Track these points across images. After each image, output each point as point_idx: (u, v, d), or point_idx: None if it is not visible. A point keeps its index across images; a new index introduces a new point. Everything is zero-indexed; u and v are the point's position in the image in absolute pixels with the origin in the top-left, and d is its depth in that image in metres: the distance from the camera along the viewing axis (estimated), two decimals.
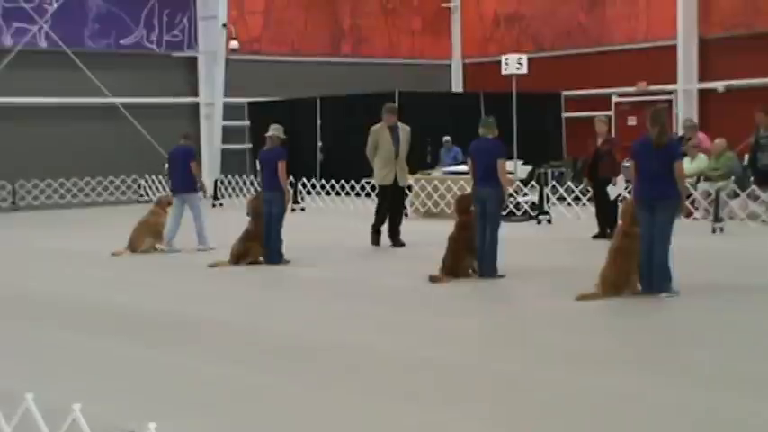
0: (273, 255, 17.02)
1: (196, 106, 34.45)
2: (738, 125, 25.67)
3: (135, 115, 32.60)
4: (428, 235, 18.84)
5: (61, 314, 13.15)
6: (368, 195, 27.20)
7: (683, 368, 9.43)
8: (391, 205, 19.03)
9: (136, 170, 32.74)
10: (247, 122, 35.45)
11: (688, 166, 20.85)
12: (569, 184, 25.29)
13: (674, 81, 31.91)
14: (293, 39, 36.47)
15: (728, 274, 15.20)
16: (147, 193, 32.10)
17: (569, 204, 23.83)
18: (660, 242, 12.79)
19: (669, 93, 32.11)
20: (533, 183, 24.73)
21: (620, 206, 15.36)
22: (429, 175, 25.92)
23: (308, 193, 28.88)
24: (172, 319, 12.63)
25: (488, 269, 14.86)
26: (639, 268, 12.97)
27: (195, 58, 34.40)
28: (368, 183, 26.96)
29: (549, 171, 29.44)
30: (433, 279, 14.66)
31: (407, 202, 22.54)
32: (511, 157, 22.95)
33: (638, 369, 9.43)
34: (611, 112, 32.48)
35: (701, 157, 22.76)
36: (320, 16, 36.98)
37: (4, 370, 9.91)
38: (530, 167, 27.21)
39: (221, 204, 29.60)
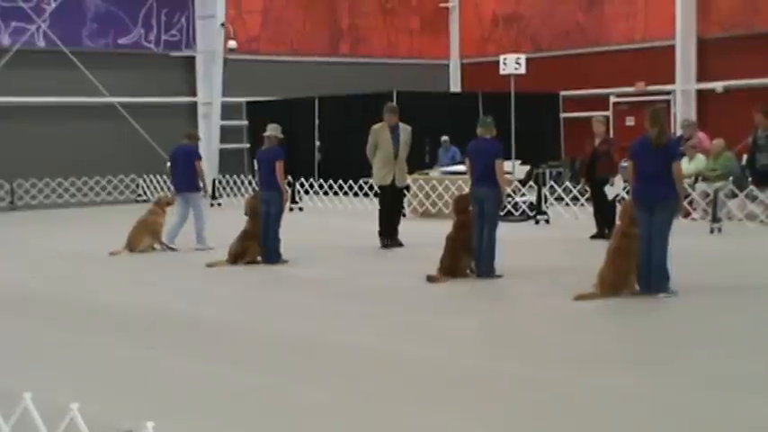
0: (271, 254, 17.02)
1: (194, 106, 34.45)
2: (737, 125, 25.69)
3: (133, 115, 32.59)
4: (426, 235, 18.84)
5: (59, 314, 13.15)
6: (366, 195, 27.23)
7: (681, 368, 9.43)
8: (389, 205, 19.02)
9: (134, 170, 32.73)
10: (245, 122, 35.45)
11: (686, 166, 20.85)
12: (567, 184, 25.29)
13: (673, 81, 31.93)
14: (291, 38, 36.47)
15: (726, 274, 15.21)
16: (145, 193, 32.11)
17: (567, 204, 23.84)
18: (658, 242, 12.79)
19: (667, 93, 32.12)
20: (531, 183, 24.73)
21: (619, 206, 15.37)
22: (427, 174, 25.93)
23: (306, 192, 28.88)
24: (170, 319, 12.63)
25: (486, 269, 14.86)
26: (638, 268, 12.97)
27: (193, 58, 34.40)
28: (366, 182, 26.98)
29: (547, 171, 29.46)
30: (430, 279, 14.66)
31: (405, 202, 22.52)
32: (509, 158, 22.94)
33: (637, 369, 9.43)
34: (609, 113, 32.53)
35: (700, 157, 22.76)
36: (319, 16, 36.98)
37: (2, 369, 9.91)
38: (528, 167, 27.19)
39: (219, 204, 29.60)
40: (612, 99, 33.79)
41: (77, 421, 5.69)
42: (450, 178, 24.71)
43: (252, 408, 8.34)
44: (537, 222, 22.89)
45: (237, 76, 34.17)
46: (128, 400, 8.61)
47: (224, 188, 31.40)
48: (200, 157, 19.74)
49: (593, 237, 19.37)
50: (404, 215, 20.53)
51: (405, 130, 18.79)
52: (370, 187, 26.21)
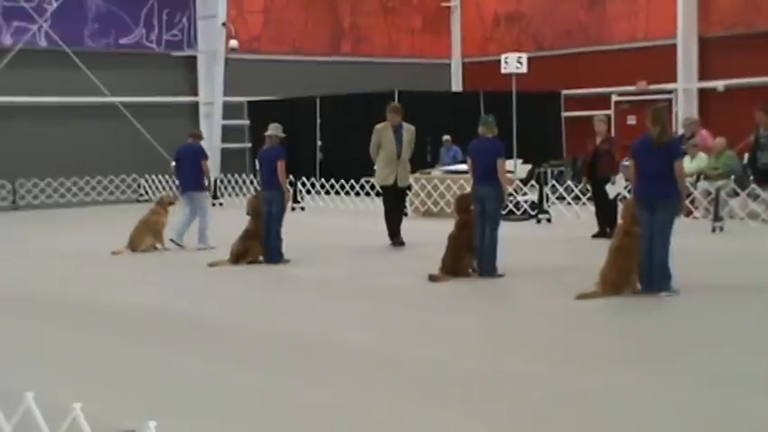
0: (273, 254, 17.02)
1: (196, 105, 34.47)
2: (738, 124, 25.68)
3: (134, 114, 32.61)
4: (428, 234, 18.85)
5: (61, 313, 13.15)
6: (368, 194, 27.24)
7: (683, 367, 9.43)
8: (392, 205, 19.01)
9: (135, 169, 32.74)
10: (247, 121, 35.47)
11: (688, 165, 20.84)
12: (569, 183, 25.29)
13: (674, 80, 31.92)
14: (293, 38, 36.48)
15: (728, 273, 15.20)
16: (146, 192, 32.13)
17: (569, 203, 23.83)
18: (660, 241, 12.78)
19: (669, 92, 32.12)
20: (533, 182, 24.73)
21: (621, 205, 15.37)
22: (429, 174, 25.93)
23: (308, 192, 28.88)
24: (172, 319, 12.63)
25: (488, 268, 14.86)
26: (639, 267, 12.97)
27: (195, 58, 34.42)
28: (367, 182, 27.00)
29: (549, 170, 29.45)
30: (432, 278, 14.66)
31: (407, 201, 22.51)
32: (510, 157, 22.95)
33: (639, 368, 9.42)
34: (610, 112, 32.51)
35: (701, 156, 22.76)
36: (320, 15, 36.99)
37: (4, 369, 9.91)
38: (529, 166, 27.21)
39: (221, 203, 29.59)
40: (614, 98, 33.79)
41: (80, 421, 5.69)
42: (452, 177, 24.71)
43: (254, 407, 8.35)
44: (539, 221, 22.88)
45: (239, 76, 34.18)
46: (129, 400, 8.61)
47: (225, 188, 31.40)
48: (206, 156, 19.79)
49: (594, 236, 19.37)
50: (405, 214, 20.50)
51: (408, 130, 18.76)
52: (372, 187, 26.23)
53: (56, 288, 15.32)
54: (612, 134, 23.23)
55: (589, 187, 20.66)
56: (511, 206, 22.75)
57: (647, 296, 12.79)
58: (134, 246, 18.90)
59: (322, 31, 37.06)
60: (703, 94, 31.86)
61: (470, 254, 15.03)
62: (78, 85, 31.48)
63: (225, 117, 34.46)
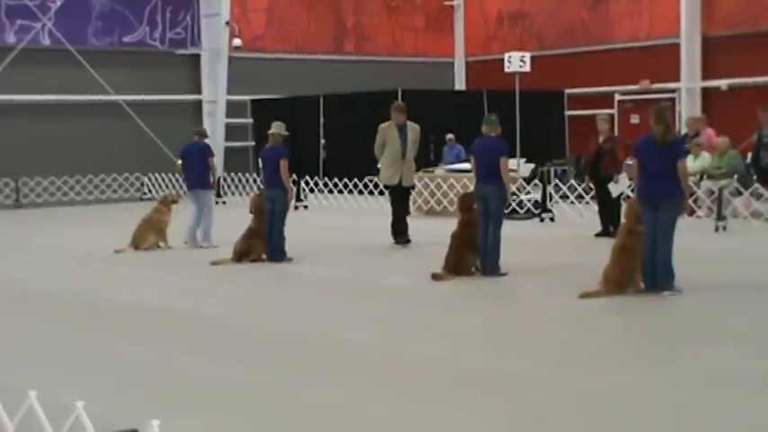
0: (276, 252, 17.02)
1: (199, 104, 34.50)
2: (741, 123, 25.68)
3: (138, 113, 32.64)
4: (431, 233, 18.83)
5: (64, 311, 13.16)
6: (371, 193, 27.24)
7: (685, 366, 9.43)
8: (397, 204, 18.96)
9: (139, 168, 32.77)
10: (250, 120, 35.48)
11: (691, 164, 20.81)
12: (572, 181, 25.29)
13: (678, 79, 31.93)
14: (296, 36, 36.50)
15: (731, 272, 15.19)
16: (150, 191, 32.15)
17: (572, 202, 23.83)
18: (663, 240, 12.78)
19: (672, 91, 32.13)
20: (536, 181, 24.72)
21: (624, 204, 15.36)
22: (432, 172, 25.94)
23: (311, 190, 28.89)
24: (174, 317, 12.64)
25: (491, 267, 14.86)
26: (643, 266, 12.97)
27: (198, 56, 34.45)
28: (371, 180, 26.99)
29: (552, 169, 29.46)
30: (435, 277, 14.66)
31: (410, 200, 22.49)
32: (514, 155, 22.95)
33: (641, 367, 9.42)
34: (614, 110, 32.49)
35: (704, 155, 22.75)
36: (323, 14, 37.00)
37: (7, 367, 9.92)
38: (532, 165, 27.19)
39: (224, 202, 29.58)
40: (617, 97, 33.79)
41: (82, 419, 5.69)
42: (455, 176, 24.71)
43: (256, 406, 8.35)
44: (542, 220, 22.88)
45: (242, 74, 34.21)
46: (132, 399, 8.61)
47: (229, 186, 31.41)
48: (213, 154, 19.86)
49: (597, 235, 19.37)
50: (408, 213, 20.49)
51: (413, 129, 18.74)
52: (375, 185, 26.22)
53: (59, 286, 15.33)
54: (615, 133, 23.21)
55: (592, 186, 20.66)
56: (514, 205, 22.75)
57: (651, 295, 12.78)
58: (137, 244, 18.91)
59: (325, 30, 37.08)
60: (706, 94, 31.86)
61: (473, 253, 15.03)
62: (82, 84, 31.52)
63: (228, 115, 34.49)
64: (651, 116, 13.15)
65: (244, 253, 17.03)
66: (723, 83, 31.19)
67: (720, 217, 20.34)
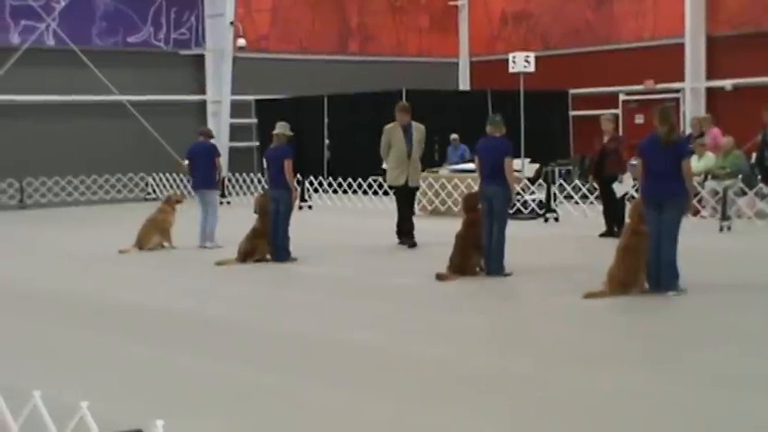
0: (280, 253, 17.02)
1: (203, 104, 34.53)
2: (746, 123, 25.67)
3: (142, 113, 32.65)
4: (435, 233, 18.83)
5: (68, 312, 13.17)
6: (375, 193, 27.24)
7: (690, 366, 9.42)
8: (404, 205, 18.92)
9: (143, 168, 32.78)
10: (255, 120, 35.48)
11: (695, 164, 20.83)
12: (576, 182, 25.28)
13: (682, 79, 31.91)
14: (301, 37, 36.51)
15: (736, 272, 15.18)
16: (154, 191, 32.15)
17: (576, 202, 23.81)
18: (668, 240, 12.78)
19: (677, 91, 32.11)
20: (540, 181, 24.71)
21: (629, 204, 15.35)
22: (436, 172, 25.93)
23: (316, 190, 28.88)
24: (178, 317, 12.64)
25: (495, 267, 14.85)
26: (647, 266, 12.96)
27: (203, 56, 34.46)
28: (375, 181, 26.99)
29: (557, 169, 29.41)
30: (440, 277, 14.65)
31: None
32: (518, 156, 22.93)
33: (646, 367, 9.42)
34: (618, 111, 32.49)
35: (709, 155, 22.73)
36: (328, 14, 37.01)
37: (11, 367, 9.93)
38: (537, 165, 27.18)
39: (228, 202, 29.58)
40: (622, 97, 33.77)
41: (87, 419, 5.69)
42: (460, 176, 24.71)
43: (260, 406, 8.35)
44: (546, 220, 22.87)
45: (247, 75, 34.22)
46: (136, 399, 8.62)
47: (233, 186, 31.41)
48: (219, 154, 19.90)
49: (602, 235, 19.36)
50: (413, 213, 20.47)
51: (418, 129, 18.71)
52: (380, 185, 26.22)
53: (63, 287, 15.34)
54: (620, 133, 23.20)
55: (596, 186, 20.65)
56: (518, 205, 22.73)
57: (655, 295, 12.78)
58: (141, 244, 18.92)
59: (329, 31, 37.08)
60: (711, 94, 31.84)
61: (478, 253, 15.03)
62: (86, 84, 31.54)
63: (233, 116, 34.50)
64: (655, 116, 13.15)
65: (248, 253, 17.04)
66: (727, 83, 31.17)
67: (725, 217, 20.32)
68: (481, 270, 15.02)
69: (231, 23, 33.80)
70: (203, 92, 34.53)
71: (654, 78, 32.71)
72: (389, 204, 19.23)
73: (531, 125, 25.47)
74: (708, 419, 7.75)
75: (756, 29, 30.42)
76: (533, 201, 23.83)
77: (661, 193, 12.84)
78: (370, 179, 27.57)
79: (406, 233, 18.77)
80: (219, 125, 33.68)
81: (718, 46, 31.52)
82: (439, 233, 17.96)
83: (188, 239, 19.09)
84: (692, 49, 31.67)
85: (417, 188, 19.75)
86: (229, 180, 31.29)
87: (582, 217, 22.70)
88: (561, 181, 25.97)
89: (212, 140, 20.38)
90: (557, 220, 22.82)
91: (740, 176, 21.79)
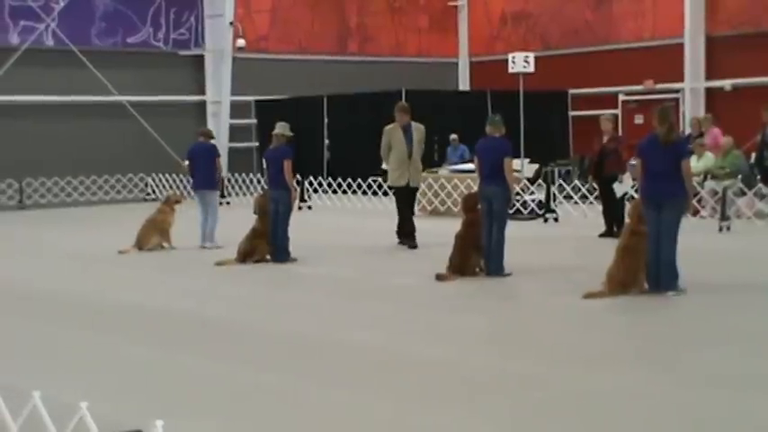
0: (280, 253, 17.02)
1: (203, 104, 34.51)
2: (745, 123, 25.67)
3: (142, 113, 32.64)
4: (435, 233, 18.82)
5: (67, 312, 13.17)
6: (375, 194, 27.24)
7: (689, 366, 9.43)
8: (405, 205, 18.89)
9: (143, 168, 32.78)
10: (254, 120, 35.48)
11: (695, 164, 20.83)
12: (576, 182, 25.28)
13: (681, 79, 31.91)
14: (300, 37, 36.50)
15: (735, 272, 15.19)
16: (153, 192, 32.15)
17: (576, 203, 23.81)
18: (667, 240, 12.78)
19: (676, 91, 32.10)
20: (540, 181, 24.72)
21: (629, 205, 15.35)
22: (436, 173, 25.93)
23: (315, 191, 28.89)
24: (178, 318, 12.64)
25: (495, 267, 14.85)
26: (647, 267, 12.96)
27: (202, 57, 34.45)
28: (374, 181, 27.00)
29: (556, 169, 29.40)
30: (439, 277, 14.65)
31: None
32: (518, 156, 22.93)
33: (645, 367, 9.42)
34: (618, 111, 32.49)
35: (708, 155, 22.73)
36: (327, 15, 37.00)
37: (11, 368, 9.92)
38: (536, 166, 27.19)
39: (228, 202, 29.58)
40: (621, 97, 33.77)
41: (86, 420, 5.69)
42: (459, 176, 24.71)
43: (260, 406, 8.35)
44: (546, 221, 22.87)
45: (246, 75, 34.21)
46: (136, 399, 8.62)
47: (233, 187, 31.41)
48: (219, 154, 19.90)
49: (601, 235, 19.36)
50: (413, 213, 20.47)
51: (418, 130, 18.70)
52: (379, 186, 26.22)
53: (62, 287, 15.34)
54: (619, 133, 23.20)
55: (596, 186, 20.65)
56: (518, 205, 22.74)
57: (655, 295, 12.78)
58: (141, 245, 18.92)
59: (329, 31, 37.08)
60: (710, 94, 31.85)
61: (477, 253, 15.03)
62: (85, 85, 31.53)
63: (232, 116, 34.49)
64: (655, 116, 13.15)
65: (248, 253, 17.04)
66: (727, 83, 31.17)
67: (724, 217, 20.33)
68: (481, 270, 15.02)
69: (231, 24, 33.79)
70: (203, 92, 34.52)
71: (653, 78, 32.71)
72: (389, 205, 19.23)
73: (530, 125, 25.47)
74: (707, 419, 7.75)
75: (756, 29, 30.42)
76: (533, 201, 23.84)
77: (660, 193, 12.84)
78: (369, 179, 27.57)
79: (407, 234, 18.75)
80: (219, 126, 33.66)
81: (718, 46, 31.53)
82: (438, 233, 17.96)
83: (188, 240, 19.09)
84: (692, 50, 31.67)
85: (418, 188, 19.74)
86: (229, 180, 31.28)
87: (581, 217, 22.71)
88: (561, 181, 25.98)
89: (212, 141, 20.39)
90: (556, 220, 22.82)
91: (739, 176, 21.79)
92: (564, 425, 7.69)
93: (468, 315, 12.44)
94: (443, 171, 26.32)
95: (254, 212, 17.53)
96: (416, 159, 18.66)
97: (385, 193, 24.74)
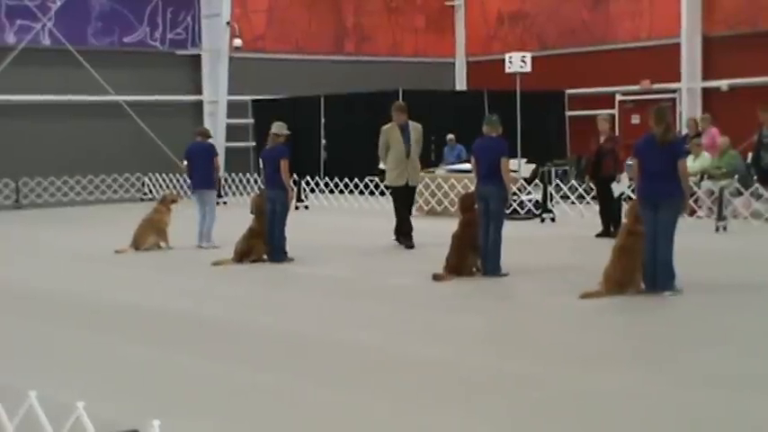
0: (277, 253, 17.02)
1: (200, 104, 34.50)
2: (742, 123, 25.68)
3: (138, 113, 32.63)
4: (432, 233, 18.82)
5: (64, 312, 13.15)
6: (372, 193, 27.23)
7: (686, 366, 9.42)
8: (403, 205, 18.88)
9: (139, 168, 32.76)
10: (251, 120, 35.47)
11: (691, 164, 20.80)
12: (573, 182, 25.28)
13: (678, 79, 31.92)
14: (297, 37, 36.50)
15: (732, 272, 15.19)
16: (150, 191, 32.13)
17: (573, 203, 23.82)
18: (664, 240, 12.78)
19: (673, 91, 32.12)
20: (537, 181, 24.72)
21: (625, 205, 15.36)
22: (433, 173, 25.92)
23: (312, 191, 28.88)
24: (175, 317, 12.64)
25: (492, 267, 14.85)
26: (643, 267, 12.96)
27: (199, 56, 34.44)
28: (371, 181, 26.99)
29: (553, 169, 29.44)
30: (436, 277, 14.65)
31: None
32: (514, 156, 22.94)
33: (642, 367, 9.42)
34: (614, 111, 32.50)
35: (705, 155, 22.76)
36: (324, 14, 37.00)
37: (7, 367, 9.91)
38: (533, 166, 27.18)
39: (225, 202, 29.56)
40: (618, 97, 33.79)
41: (83, 420, 5.69)
42: (456, 176, 24.71)
43: (257, 406, 8.35)
44: (542, 221, 22.87)
45: (243, 75, 34.21)
46: (133, 399, 8.61)
47: (230, 186, 31.39)
48: (217, 154, 19.91)
49: (598, 235, 19.37)
50: (411, 213, 20.46)
51: (415, 129, 18.69)
52: (376, 186, 26.22)
53: (59, 287, 15.32)
54: (616, 133, 23.22)
55: (593, 186, 20.66)
56: (515, 205, 22.74)
57: (651, 295, 12.78)
58: (137, 244, 18.91)
59: (326, 31, 37.08)
60: (707, 94, 31.85)
61: (474, 253, 15.03)
62: (82, 84, 31.52)
63: (229, 116, 34.48)
64: (651, 116, 13.15)
65: (244, 253, 17.03)
66: (723, 83, 31.19)
67: (721, 217, 20.34)
68: (478, 270, 15.02)
69: (227, 23, 33.78)
70: (199, 92, 34.51)
71: (650, 78, 32.73)
72: (386, 204, 19.23)
73: (527, 125, 25.49)
74: (704, 419, 7.75)
75: (752, 29, 30.44)
76: (530, 201, 23.84)
77: (657, 193, 12.84)
78: (366, 179, 27.57)
79: (405, 234, 18.74)
80: (216, 125, 33.61)
81: (714, 46, 31.54)
82: (435, 233, 17.95)
83: (185, 240, 19.08)
84: (688, 50, 31.68)
85: (416, 187, 19.72)
86: (226, 180, 31.27)
87: (578, 217, 22.71)
88: (558, 181, 25.98)
89: (210, 140, 20.39)
90: (553, 220, 22.82)
91: (736, 177, 21.81)
92: (561, 425, 7.69)
93: (465, 315, 12.44)
94: (440, 171, 26.32)
95: (251, 212, 17.53)
96: (414, 158, 18.66)
97: (382, 193, 24.74)
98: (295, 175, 20.88)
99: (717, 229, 20.09)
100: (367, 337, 11.05)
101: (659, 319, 12.01)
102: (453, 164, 27.18)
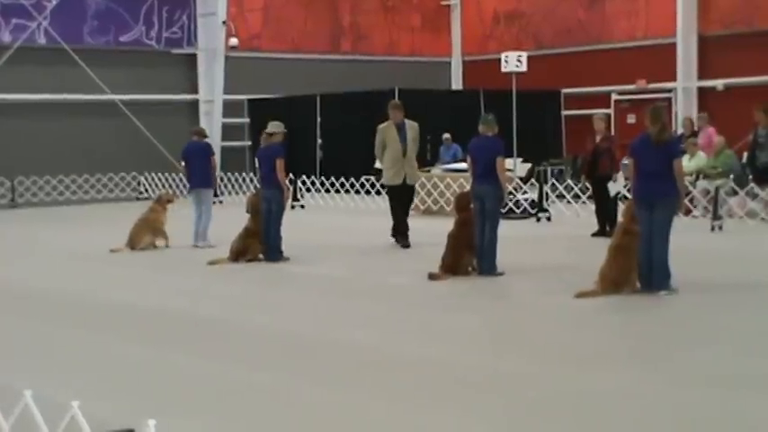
0: (273, 252, 17.01)
1: (196, 103, 34.46)
2: (737, 123, 25.67)
3: (134, 112, 32.58)
4: (428, 233, 18.82)
5: (60, 311, 13.14)
6: (368, 193, 27.23)
7: (681, 366, 9.43)
8: (400, 204, 18.85)
9: (135, 167, 32.75)
10: (247, 119, 35.45)
11: (687, 163, 20.85)
12: (569, 181, 25.29)
13: (674, 79, 31.91)
14: (293, 36, 36.47)
15: (727, 271, 15.21)
16: (146, 190, 32.13)
17: (569, 202, 23.83)
18: (659, 240, 12.78)
19: (668, 90, 32.11)
20: (533, 180, 24.73)
21: (621, 204, 15.36)
22: (429, 172, 25.92)
23: (308, 190, 28.88)
24: (171, 317, 12.63)
25: (488, 267, 14.85)
26: (639, 266, 12.97)
27: (195, 55, 34.40)
28: (367, 180, 26.99)
29: (549, 169, 29.45)
30: (432, 277, 14.65)
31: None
32: (510, 155, 22.94)
33: (637, 366, 9.43)
34: (610, 110, 32.51)
35: (700, 154, 22.77)
36: (320, 13, 36.97)
37: (3, 366, 9.90)
38: (529, 165, 27.20)
39: (221, 201, 29.53)
40: (614, 96, 33.78)
41: (78, 419, 5.68)
42: (452, 176, 24.71)
43: (253, 405, 8.34)
44: (538, 220, 22.88)
45: (239, 74, 34.17)
46: (128, 398, 8.60)
47: (226, 186, 31.38)
48: (213, 152, 19.93)
49: (594, 234, 19.37)
50: (407, 213, 20.46)
51: (412, 128, 18.67)
52: (372, 185, 26.22)
53: (54, 286, 15.31)
54: (612, 133, 23.23)
55: (589, 186, 20.67)
56: (511, 205, 22.74)
57: (647, 295, 12.79)
58: (133, 244, 18.90)
59: (322, 30, 37.05)
60: (703, 93, 31.84)
61: (470, 252, 15.03)
62: (78, 83, 31.47)
63: (225, 115, 34.46)
64: (647, 116, 13.15)
65: (240, 253, 17.03)
66: (719, 82, 31.19)
67: (716, 216, 20.36)
68: (473, 270, 15.02)
69: (223, 22, 33.75)
70: (195, 91, 34.48)
71: (646, 78, 32.72)
72: (382, 204, 19.23)
73: (523, 125, 25.49)
74: (700, 419, 7.75)
75: (748, 28, 30.44)
76: (526, 200, 23.85)
77: (652, 192, 12.84)
78: (362, 178, 27.57)
79: (401, 234, 18.73)
80: (212, 124, 33.59)
81: (710, 45, 31.54)
82: (431, 233, 17.94)
83: (180, 239, 19.07)
84: (684, 49, 31.67)
85: (414, 186, 19.71)
86: (222, 179, 31.24)
87: (574, 216, 22.72)
88: (553, 180, 26.00)
89: (206, 139, 20.38)
90: (549, 219, 22.84)
91: (731, 176, 21.82)
92: (557, 424, 7.69)
93: (460, 314, 12.44)
94: (436, 170, 26.32)
95: (247, 211, 17.52)
96: (411, 157, 18.63)
97: (378, 193, 24.74)
98: (291, 175, 20.85)
99: (712, 229, 20.11)
100: (363, 336, 11.05)
101: (655, 318, 12.02)
102: (449, 163, 27.18)
